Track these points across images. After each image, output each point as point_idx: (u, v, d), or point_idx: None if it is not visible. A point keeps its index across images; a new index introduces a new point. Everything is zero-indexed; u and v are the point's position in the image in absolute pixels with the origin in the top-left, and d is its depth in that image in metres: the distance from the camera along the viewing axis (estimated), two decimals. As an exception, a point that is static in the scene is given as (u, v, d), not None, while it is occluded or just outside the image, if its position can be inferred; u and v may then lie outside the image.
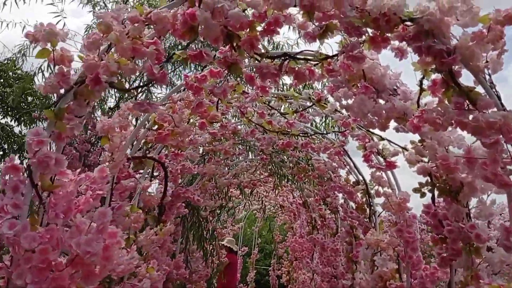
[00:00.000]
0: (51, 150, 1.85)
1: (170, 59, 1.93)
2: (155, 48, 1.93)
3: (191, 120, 3.25)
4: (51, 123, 1.81)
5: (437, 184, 2.67)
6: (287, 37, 8.24)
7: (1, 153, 6.53)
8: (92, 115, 5.90)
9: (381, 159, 3.56)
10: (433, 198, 2.73)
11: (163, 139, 2.77)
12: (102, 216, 1.74)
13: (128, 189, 2.63)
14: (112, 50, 1.89)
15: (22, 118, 6.42)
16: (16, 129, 6.66)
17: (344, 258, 5.76)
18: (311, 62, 2.28)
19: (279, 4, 1.84)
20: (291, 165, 5.94)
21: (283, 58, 2.17)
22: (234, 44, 2.01)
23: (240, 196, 8.86)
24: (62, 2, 5.53)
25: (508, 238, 1.93)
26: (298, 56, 2.21)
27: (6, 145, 6.57)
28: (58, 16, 5.43)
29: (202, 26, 1.86)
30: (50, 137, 1.81)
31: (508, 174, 1.84)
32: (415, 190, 2.79)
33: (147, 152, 3.59)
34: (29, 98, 6.54)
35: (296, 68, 2.21)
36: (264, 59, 2.17)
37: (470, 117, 1.88)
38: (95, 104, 6.15)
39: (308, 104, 3.53)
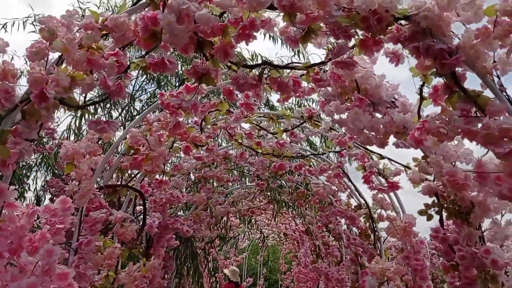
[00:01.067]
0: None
1: (128, 69, 1.69)
2: (116, 60, 1.70)
3: (175, 145, 2.99)
4: (-9, 147, 1.56)
5: (445, 205, 2.43)
6: (279, 56, 8.02)
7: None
8: None
9: (383, 180, 3.27)
10: (441, 220, 2.53)
11: (138, 165, 2.51)
12: (48, 254, 1.47)
13: (99, 222, 2.36)
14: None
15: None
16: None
17: (350, 288, 5.40)
18: (297, 72, 2.02)
19: (253, 3, 1.60)
20: (290, 190, 5.64)
21: (262, 67, 1.92)
22: (207, 53, 1.78)
23: (241, 226, 8.56)
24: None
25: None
26: (280, 65, 1.96)
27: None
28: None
29: (168, 33, 1.64)
30: (-9, 164, 1.56)
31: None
32: (421, 213, 2.54)
33: (131, 179, 3.32)
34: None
35: (279, 79, 1.96)
36: (242, 69, 1.92)
37: (479, 125, 1.63)
38: (85, 129, 5.92)
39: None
